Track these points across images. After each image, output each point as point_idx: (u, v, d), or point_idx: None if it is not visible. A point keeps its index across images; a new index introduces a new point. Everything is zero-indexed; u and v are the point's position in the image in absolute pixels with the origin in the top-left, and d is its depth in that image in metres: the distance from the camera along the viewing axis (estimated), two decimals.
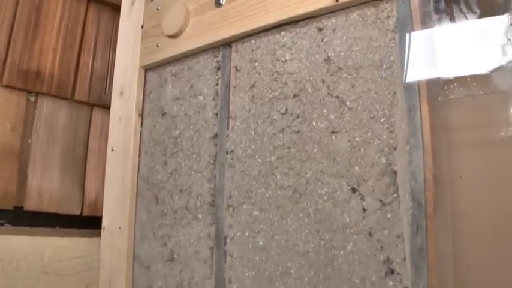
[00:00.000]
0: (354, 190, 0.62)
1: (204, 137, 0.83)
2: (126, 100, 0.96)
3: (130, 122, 0.94)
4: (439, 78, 0.60)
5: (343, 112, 0.65)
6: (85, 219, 1.07)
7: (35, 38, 1.02)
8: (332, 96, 0.67)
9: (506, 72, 0.56)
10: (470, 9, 0.59)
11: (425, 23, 0.62)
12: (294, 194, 0.68)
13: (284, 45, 0.74)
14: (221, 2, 0.82)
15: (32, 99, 1.02)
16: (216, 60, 0.84)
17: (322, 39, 0.70)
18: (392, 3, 0.63)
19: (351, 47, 0.67)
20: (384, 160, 0.59)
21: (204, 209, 0.80)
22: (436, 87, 0.60)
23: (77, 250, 1.03)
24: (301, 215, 0.67)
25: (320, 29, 0.71)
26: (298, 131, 0.69)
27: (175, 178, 0.86)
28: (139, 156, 0.94)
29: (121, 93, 0.97)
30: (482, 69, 0.57)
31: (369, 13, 0.66)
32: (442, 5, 0.61)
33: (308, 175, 0.67)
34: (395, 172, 0.59)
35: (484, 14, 0.58)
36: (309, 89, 0.69)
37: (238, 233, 0.74)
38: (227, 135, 0.79)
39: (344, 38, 0.68)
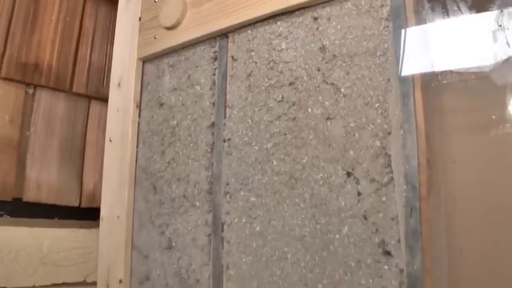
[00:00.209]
0: (349, 174, 0.63)
1: (202, 126, 0.84)
2: (124, 91, 0.97)
3: (128, 112, 0.95)
4: (432, 65, 0.61)
5: (338, 99, 0.66)
6: (83, 210, 1.07)
7: (33, 30, 1.02)
8: (327, 83, 0.68)
9: (499, 58, 0.57)
10: None
11: (419, 11, 0.63)
12: (290, 179, 0.69)
13: (280, 35, 0.75)
14: None
15: (30, 91, 1.02)
16: (213, 51, 0.85)
17: (317, 29, 0.71)
18: None
19: (346, 35, 0.68)
20: (378, 143, 0.61)
21: (201, 197, 0.81)
22: (429, 74, 0.61)
23: (75, 241, 1.04)
24: (297, 200, 0.68)
25: (315, 19, 0.72)
26: (294, 118, 0.70)
27: (173, 167, 0.87)
28: (137, 147, 0.95)
29: (119, 84, 0.98)
30: (475, 55, 0.59)
31: (363, 2, 0.67)
32: None
33: (304, 161, 0.68)
34: (390, 156, 0.60)
35: (476, 1, 0.60)
36: (305, 77, 0.70)
37: (236, 220, 0.75)
38: (224, 124, 0.80)
39: (339, 26, 0.69)
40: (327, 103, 0.67)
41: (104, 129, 1.03)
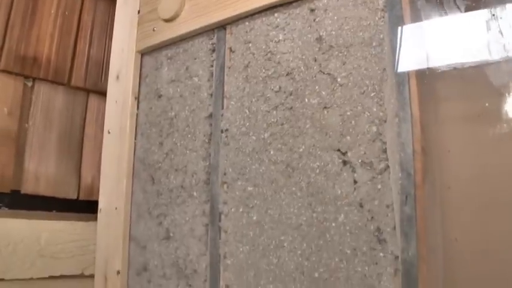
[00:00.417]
0: (345, 163, 0.64)
1: (199, 117, 0.84)
2: (122, 84, 0.98)
3: (126, 105, 0.96)
4: (427, 55, 0.62)
5: (335, 88, 0.67)
6: (81, 203, 1.08)
7: (32, 24, 1.03)
8: (324, 73, 0.69)
9: (492, 47, 0.58)
10: None
11: (414, 2, 0.64)
12: (287, 168, 0.70)
13: (277, 26, 0.76)
14: None
15: (29, 84, 1.03)
16: (211, 43, 0.86)
17: (314, 20, 0.72)
18: None
19: (342, 26, 0.69)
20: (374, 129, 0.61)
21: (199, 187, 0.82)
22: (424, 63, 0.62)
23: (73, 234, 1.04)
24: (294, 189, 0.68)
25: (312, 10, 0.72)
26: (291, 108, 0.71)
27: (171, 158, 0.88)
28: (135, 138, 0.96)
29: (117, 77, 0.99)
30: (469, 44, 0.60)
31: None
32: None
33: (301, 150, 0.68)
34: (385, 143, 0.61)
35: None
36: (302, 67, 0.71)
37: (233, 209, 0.76)
38: (222, 115, 0.80)
39: (335, 17, 0.70)
40: (323, 93, 0.68)
41: (102, 122, 1.04)
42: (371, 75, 0.64)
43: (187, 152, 0.85)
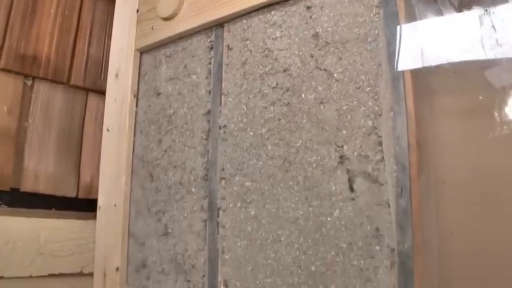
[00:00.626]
0: (341, 157, 0.65)
1: (198, 114, 0.85)
2: (121, 82, 0.98)
3: (125, 102, 0.96)
4: (421, 50, 0.63)
5: (331, 84, 0.68)
6: (81, 201, 1.08)
7: (32, 23, 1.04)
8: (320, 69, 0.70)
9: (486, 42, 0.59)
10: None
11: None
12: (284, 163, 0.70)
13: (274, 24, 0.77)
14: None
15: (29, 83, 1.04)
16: (209, 41, 0.87)
17: (310, 17, 0.73)
18: None
19: (338, 22, 0.70)
20: (370, 123, 0.62)
21: (197, 183, 0.83)
22: (419, 58, 0.63)
23: (72, 232, 1.05)
24: (291, 183, 0.69)
25: (308, 7, 0.73)
26: (288, 103, 0.72)
27: (169, 155, 0.89)
28: (134, 136, 0.97)
29: (116, 75, 0.99)
30: (463, 40, 0.60)
31: None
32: None
33: (298, 144, 0.69)
34: (380, 137, 0.61)
35: None
36: (298, 64, 0.72)
37: (231, 204, 0.76)
38: (220, 111, 0.81)
39: (331, 14, 0.71)
40: (320, 88, 0.69)
41: (101, 121, 1.05)
42: (366, 71, 0.65)
43: (186, 148, 0.86)
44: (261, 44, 0.78)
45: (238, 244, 0.74)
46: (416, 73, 0.62)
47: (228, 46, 0.83)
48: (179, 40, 0.92)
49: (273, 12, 0.78)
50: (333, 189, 0.65)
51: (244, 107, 0.78)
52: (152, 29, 0.95)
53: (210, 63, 0.86)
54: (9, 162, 0.99)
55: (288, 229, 0.69)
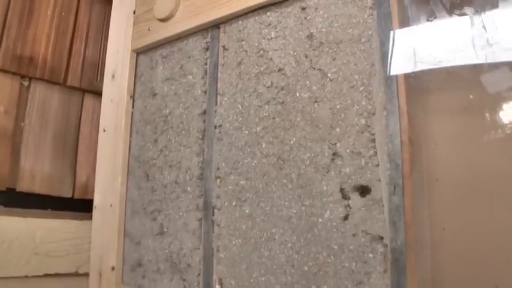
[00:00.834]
0: (335, 154, 0.65)
1: (193, 114, 0.86)
2: (117, 83, 0.99)
3: (122, 103, 0.97)
4: (414, 50, 0.64)
5: (325, 83, 0.69)
6: (76, 202, 1.09)
7: (28, 24, 1.05)
8: (314, 69, 0.71)
9: (477, 41, 0.60)
10: None
11: (401, 0, 0.66)
12: (278, 161, 0.71)
13: (270, 24, 0.78)
14: None
15: (26, 83, 1.04)
16: (205, 41, 0.88)
17: (305, 18, 0.74)
18: None
19: (332, 23, 0.71)
20: (363, 121, 0.63)
21: (192, 182, 0.83)
22: (412, 58, 0.64)
23: (68, 232, 1.05)
24: (284, 181, 0.70)
25: (303, 8, 0.74)
26: (283, 102, 0.73)
27: (165, 154, 0.89)
28: (130, 136, 0.97)
29: (113, 76, 1.00)
30: (455, 40, 0.62)
31: None
32: None
33: (292, 142, 0.70)
34: (374, 135, 0.62)
35: None
36: (293, 63, 0.73)
37: (226, 203, 0.77)
38: (215, 111, 0.82)
39: (326, 15, 0.72)
40: (314, 87, 0.70)
41: (97, 122, 1.05)
42: (360, 70, 0.66)
43: (182, 148, 0.87)
44: (256, 45, 0.79)
45: (233, 242, 0.75)
46: (408, 72, 0.63)
47: (224, 47, 0.84)
48: (175, 41, 0.93)
49: (268, 14, 0.79)
50: (324, 189, 0.66)
51: (240, 106, 0.78)
52: (149, 30, 0.95)
53: (206, 64, 0.86)
54: (5, 162, 0.99)
55: (282, 227, 0.69)
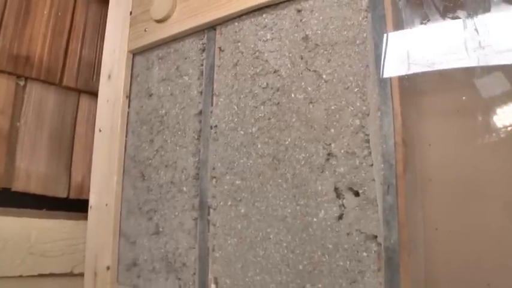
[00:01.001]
0: (329, 154, 0.66)
1: (189, 114, 0.87)
2: (114, 83, 0.99)
3: (118, 103, 0.97)
4: (408, 52, 0.65)
5: (320, 84, 0.70)
6: (71, 202, 1.09)
7: (25, 24, 1.05)
8: (310, 70, 0.71)
9: (469, 44, 0.61)
10: None
11: (396, 3, 0.67)
12: (273, 161, 0.72)
13: (265, 26, 0.79)
14: None
15: (21, 83, 1.04)
16: (201, 43, 0.88)
17: (300, 20, 0.75)
18: None
19: (327, 25, 0.71)
20: (357, 122, 0.64)
21: (188, 182, 0.84)
22: (406, 60, 0.65)
23: (63, 232, 1.05)
24: (279, 180, 0.71)
25: (299, 11, 0.75)
26: (278, 103, 0.73)
27: (161, 154, 0.90)
28: (126, 136, 0.98)
29: (109, 76, 1.01)
30: (448, 41, 0.63)
31: None
32: None
33: (287, 142, 0.71)
34: (368, 135, 0.63)
35: None
36: (288, 65, 0.74)
37: (221, 203, 0.78)
38: (211, 111, 0.83)
39: (321, 18, 0.73)
40: (309, 88, 0.71)
41: (93, 122, 1.05)
42: (354, 72, 0.67)
43: (177, 148, 0.87)
44: (252, 46, 0.80)
45: (229, 242, 0.76)
46: (402, 74, 0.64)
47: (220, 48, 0.84)
48: (172, 42, 0.93)
49: (264, 15, 0.79)
50: (319, 188, 0.66)
51: (235, 107, 0.79)
52: (145, 31, 0.96)
53: (202, 65, 0.87)
54: (0, 162, 0.99)
55: (277, 227, 0.70)
